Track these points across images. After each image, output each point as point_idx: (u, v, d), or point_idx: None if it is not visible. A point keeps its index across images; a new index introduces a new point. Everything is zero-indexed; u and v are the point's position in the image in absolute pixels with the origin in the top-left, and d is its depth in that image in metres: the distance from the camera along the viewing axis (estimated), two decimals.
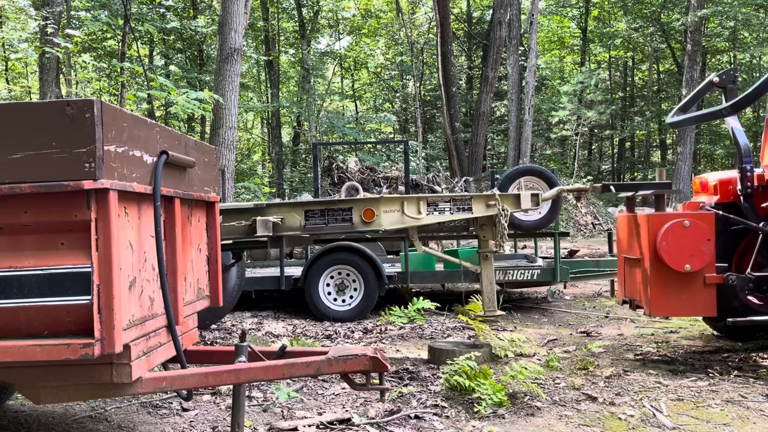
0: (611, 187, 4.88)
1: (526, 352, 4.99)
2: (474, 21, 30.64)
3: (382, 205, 4.52)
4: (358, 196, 4.67)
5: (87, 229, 2.12)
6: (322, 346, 5.42)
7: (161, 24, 17.02)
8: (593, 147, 34.40)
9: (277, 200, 5.02)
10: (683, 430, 3.28)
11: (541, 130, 30.16)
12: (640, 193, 4.84)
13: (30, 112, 2.11)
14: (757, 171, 4.58)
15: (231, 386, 3.01)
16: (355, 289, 6.70)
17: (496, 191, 4.84)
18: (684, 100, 5.12)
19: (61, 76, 13.99)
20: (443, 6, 22.35)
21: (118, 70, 15.80)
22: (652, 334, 5.67)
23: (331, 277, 6.71)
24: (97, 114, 2.09)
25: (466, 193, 4.74)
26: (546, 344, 5.44)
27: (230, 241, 4.68)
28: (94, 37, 19.35)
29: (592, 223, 18.35)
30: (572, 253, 10.10)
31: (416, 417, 3.47)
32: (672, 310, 4.41)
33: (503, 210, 4.68)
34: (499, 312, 4.97)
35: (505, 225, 4.69)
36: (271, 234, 4.41)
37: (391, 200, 4.56)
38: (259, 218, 4.37)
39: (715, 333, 5.48)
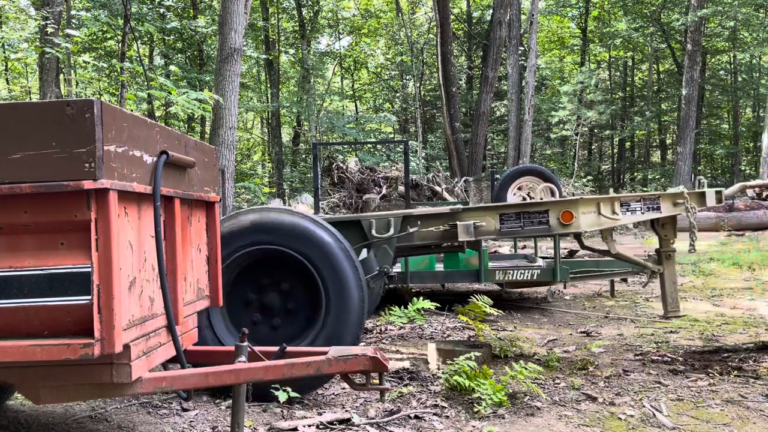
0: None
1: (526, 352, 5.00)
2: (474, 21, 30.65)
3: (580, 207, 4.42)
4: (555, 198, 4.55)
5: (87, 229, 2.12)
6: None
7: (161, 24, 17.01)
8: (593, 147, 34.41)
9: (469, 204, 4.95)
10: (683, 430, 3.28)
11: (541, 130, 30.16)
12: None
13: (30, 112, 2.11)
14: None
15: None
16: None
17: (683, 189, 4.68)
18: None
19: (61, 76, 13.99)
20: (443, 6, 22.34)
21: (118, 70, 15.80)
22: (652, 334, 5.67)
23: None
24: (97, 114, 2.09)
25: (654, 192, 4.63)
26: (546, 344, 5.44)
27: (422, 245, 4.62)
28: (94, 37, 19.35)
29: None
30: (572, 253, 10.11)
31: (416, 417, 3.47)
32: None
33: (692, 208, 4.58)
34: (682, 312, 4.86)
35: (695, 223, 4.60)
36: (473, 238, 4.35)
37: (588, 201, 4.47)
38: (460, 223, 4.30)
39: None
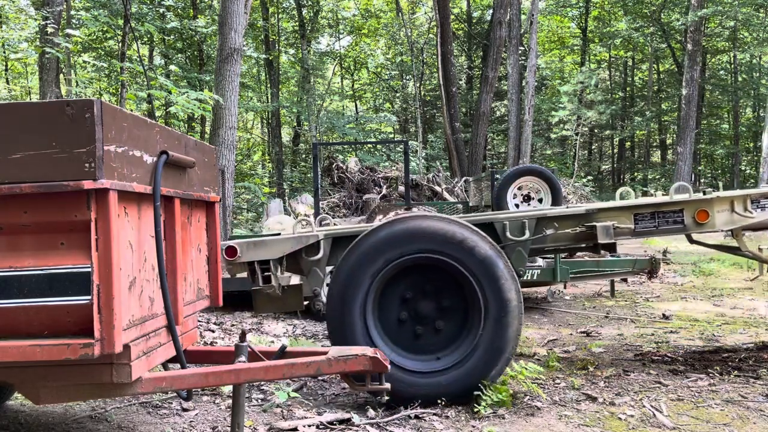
0: None
1: (526, 352, 5.00)
2: (474, 21, 30.63)
3: (715, 205, 4.29)
4: (689, 197, 4.42)
5: (87, 229, 2.12)
6: (322, 346, 5.41)
7: (161, 24, 17.01)
8: (593, 147, 34.40)
9: (604, 203, 4.62)
10: (683, 430, 3.28)
11: (541, 130, 30.15)
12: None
13: (30, 112, 2.12)
14: None
15: (231, 386, 3.01)
16: None
17: None
18: None
19: (61, 76, 13.99)
20: (443, 6, 22.33)
21: (118, 70, 15.81)
22: (652, 334, 5.67)
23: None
24: (97, 114, 2.09)
25: None
26: (546, 344, 5.44)
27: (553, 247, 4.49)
28: (94, 37, 19.34)
29: None
30: (572, 253, 10.10)
31: (416, 417, 3.47)
32: None
33: None
34: None
35: None
36: (612, 240, 4.20)
37: (723, 200, 4.34)
38: (599, 224, 4.16)
39: None
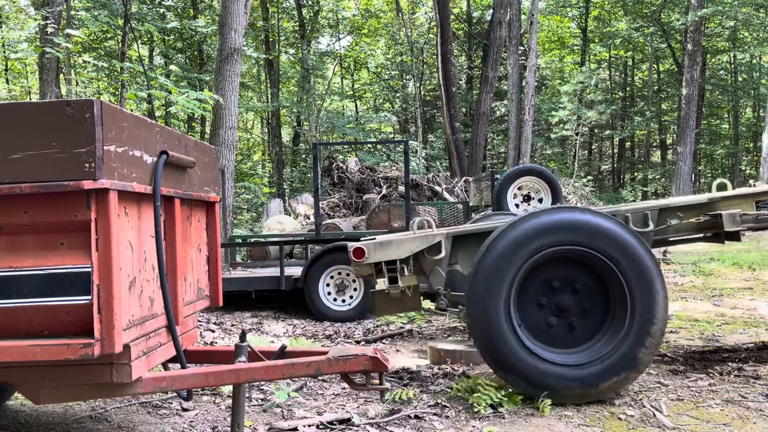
0: None
1: None
2: (474, 21, 30.62)
3: None
4: None
5: (87, 229, 2.12)
6: (322, 346, 5.41)
7: (161, 24, 17.01)
8: (593, 147, 34.38)
9: (726, 192, 4.54)
10: (683, 430, 3.28)
11: (541, 130, 30.14)
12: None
13: (30, 112, 2.12)
14: None
15: (231, 386, 3.01)
16: (355, 289, 6.70)
17: None
18: None
19: (61, 76, 13.98)
20: (443, 6, 22.33)
21: (118, 70, 15.81)
22: None
23: (331, 277, 6.71)
24: (97, 114, 2.09)
25: None
26: None
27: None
28: (94, 37, 19.34)
29: None
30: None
31: (416, 417, 3.47)
32: None
33: None
34: None
35: None
36: (739, 228, 4.11)
37: None
38: (726, 212, 4.08)
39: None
